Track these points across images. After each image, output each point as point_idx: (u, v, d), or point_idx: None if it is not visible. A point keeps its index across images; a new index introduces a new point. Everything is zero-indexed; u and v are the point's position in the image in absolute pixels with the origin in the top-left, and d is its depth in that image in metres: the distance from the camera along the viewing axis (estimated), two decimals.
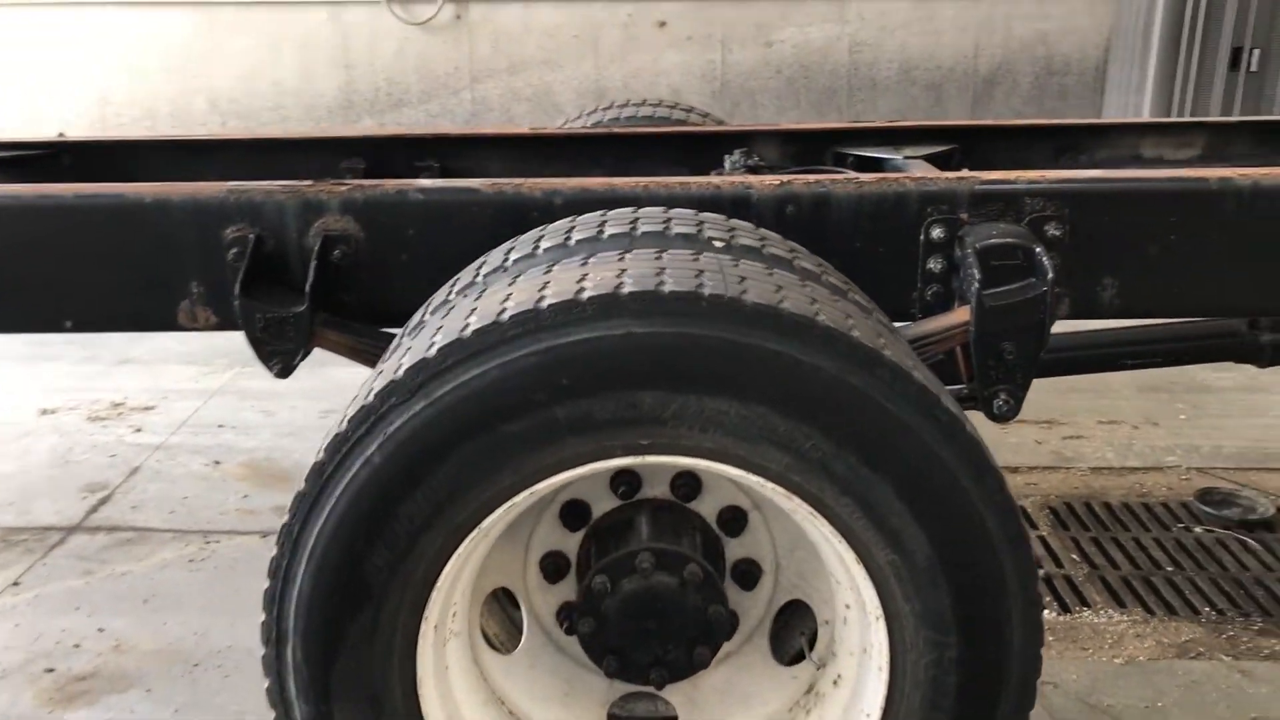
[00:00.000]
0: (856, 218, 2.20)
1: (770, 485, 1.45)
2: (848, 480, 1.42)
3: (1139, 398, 4.28)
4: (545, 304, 1.40)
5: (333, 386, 4.04)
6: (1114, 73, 6.12)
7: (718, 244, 1.70)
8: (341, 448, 1.43)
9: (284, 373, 2.15)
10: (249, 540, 3.29)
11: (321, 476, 1.44)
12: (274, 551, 1.52)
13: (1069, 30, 6.28)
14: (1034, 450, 3.89)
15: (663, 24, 6.32)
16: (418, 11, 6.49)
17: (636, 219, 1.78)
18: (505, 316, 1.40)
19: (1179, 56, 5.62)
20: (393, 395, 1.41)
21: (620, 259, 1.53)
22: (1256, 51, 5.60)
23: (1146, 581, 2.99)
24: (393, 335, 2.15)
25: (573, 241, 1.71)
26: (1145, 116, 5.72)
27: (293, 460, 3.83)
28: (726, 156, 3.05)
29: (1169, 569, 3.06)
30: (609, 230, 1.72)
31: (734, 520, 1.78)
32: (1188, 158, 3.11)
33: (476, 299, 1.55)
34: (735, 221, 1.88)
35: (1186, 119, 3.22)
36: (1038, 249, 2.11)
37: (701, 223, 1.79)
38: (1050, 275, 2.08)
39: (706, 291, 1.39)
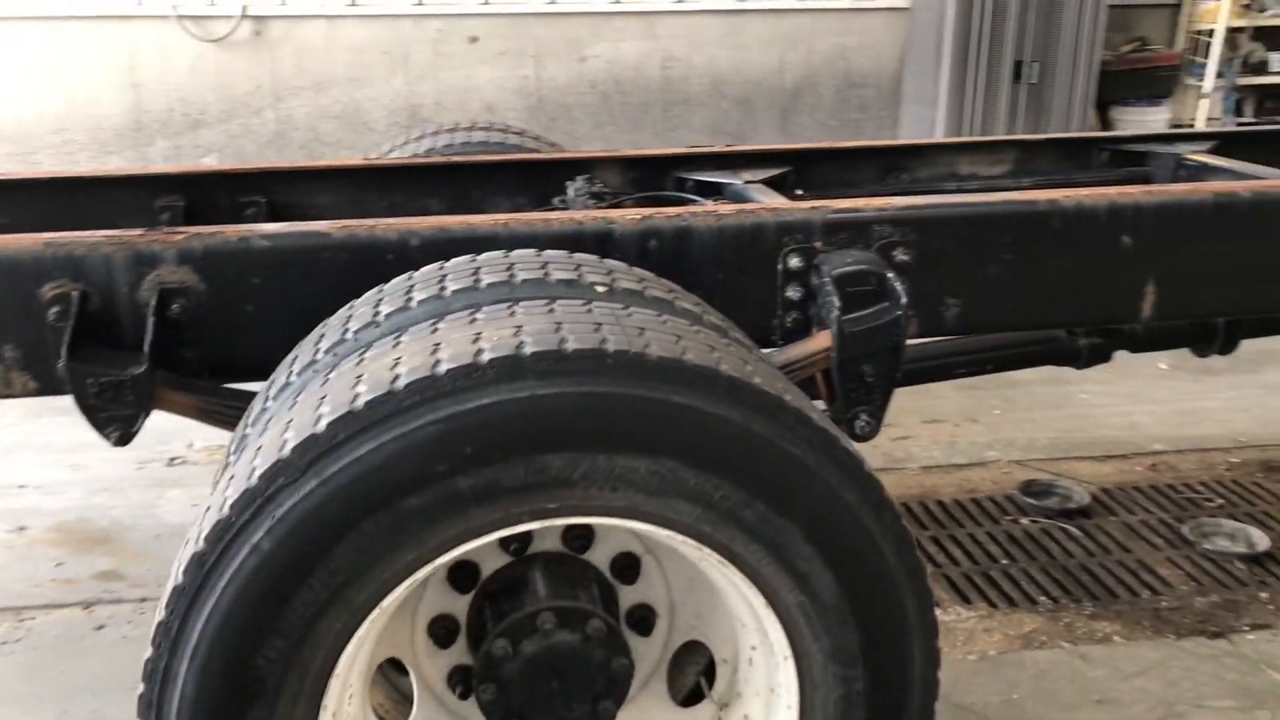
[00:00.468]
0: (717, 249, 2.22)
1: (680, 538, 1.44)
2: (757, 527, 1.42)
3: (957, 396, 4.51)
4: (443, 369, 1.33)
5: (149, 434, 3.77)
6: (909, 85, 6.45)
7: (600, 289, 1.68)
8: (224, 535, 1.32)
9: (123, 440, 1.98)
10: (70, 614, 3.01)
11: (203, 568, 1.32)
12: (148, 653, 1.38)
13: (867, 45, 6.58)
14: (868, 453, 4.01)
15: (474, 40, 6.23)
16: (212, 28, 6.14)
17: (512, 265, 1.74)
18: (400, 384, 1.33)
19: (967, 70, 5.99)
20: (280, 475, 1.31)
21: (511, 313, 1.48)
22: (1036, 65, 6.03)
23: (986, 576, 3.16)
24: (245, 392, 2.02)
25: (449, 292, 1.65)
26: (940, 124, 6.07)
27: (110, 519, 3.54)
28: (569, 184, 3.02)
29: (1004, 562, 3.23)
30: (486, 279, 1.67)
31: (628, 567, 1.76)
32: (1000, 173, 3.31)
33: (358, 362, 1.46)
34: (610, 262, 1.86)
35: (997, 138, 3.42)
36: (889, 274, 2.19)
37: (579, 266, 1.76)
38: (904, 299, 2.16)
39: (610, 348, 1.36)
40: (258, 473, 1.32)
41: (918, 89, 6.29)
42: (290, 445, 1.32)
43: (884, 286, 2.19)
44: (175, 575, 1.34)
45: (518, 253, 1.83)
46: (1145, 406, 4.40)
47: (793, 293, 2.26)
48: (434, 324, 1.51)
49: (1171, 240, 2.41)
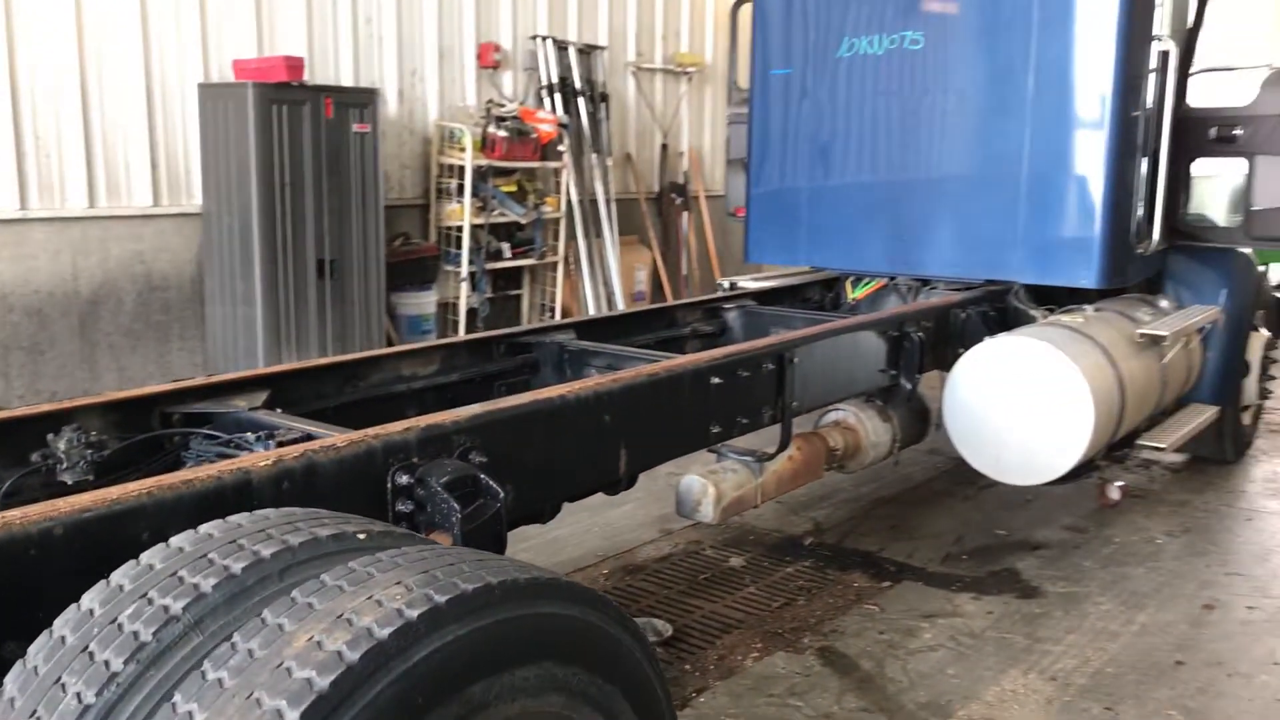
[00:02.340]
0: (339, 479, 2.40)
1: None
2: (599, 699, 1.75)
3: None
4: (383, 633, 1.45)
5: None
6: (213, 285, 6.60)
7: (363, 536, 1.85)
8: None
9: None
10: None
11: None
12: None
13: (163, 249, 6.57)
14: None
15: None
16: None
17: (269, 530, 1.80)
18: (353, 657, 1.40)
19: (278, 269, 6.39)
20: None
21: (370, 574, 1.61)
22: (335, 261, 6.68)
23: None
24: None
25: (239, 569, 1.67)
26: (259, 320, 6.35)
27: None
28: (53, 438, 2.79)
29: None
30: (264, 550, 1.72)
31: None
32: (433, 371, 3.83)
33: (247, 655, 1.46)
34: (327, 512, 1.99)
35: (426, 344, 3.93)
36: (481, 475, 2.59)
37: (322, 519, 1.89)
38: (501, 494, 2.58)
39: (494, 580, 1.60)
40: None
41: (226, 288, 6.47)
42: None
43: (478, 485, 2.58)
44: None
45: (247, 516, 1.87)
46: (520, 545, 5.21)
47: (402, 506, 2.52)
48: (289, 598, 1.56)
49: (631, 412, 3.20)
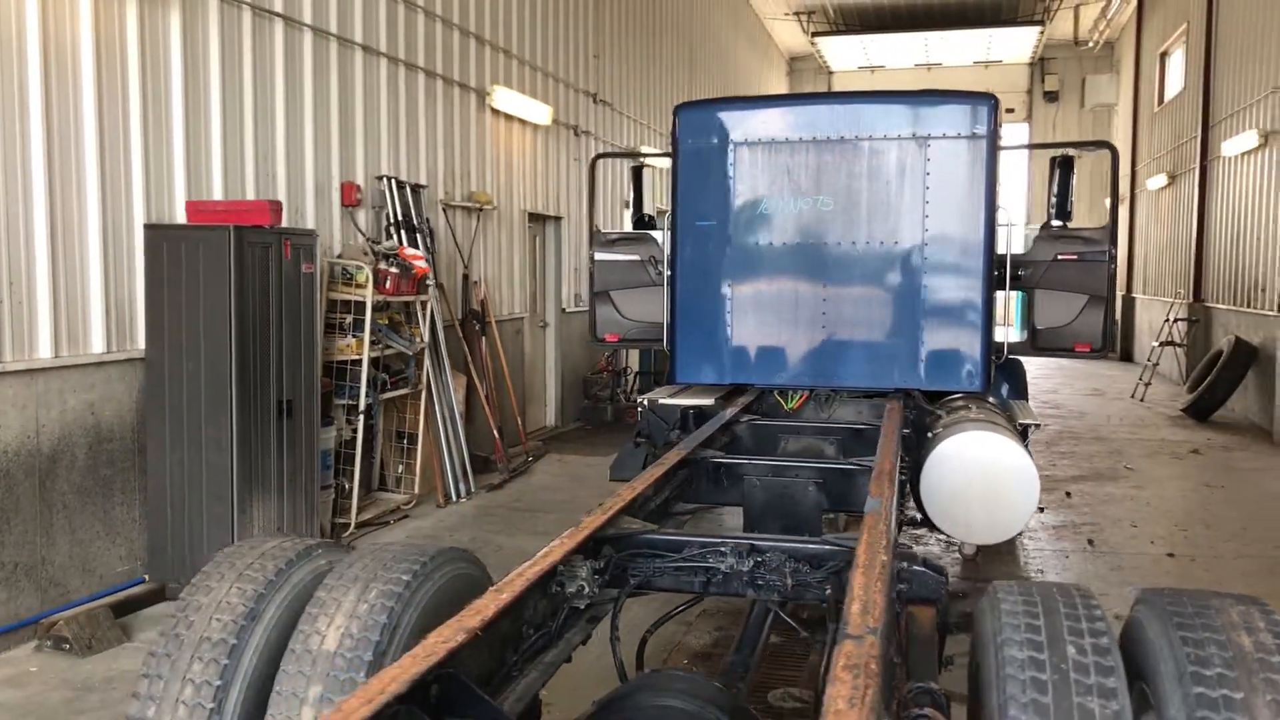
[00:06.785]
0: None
1: None
2: None
3: None
4: None
5: None
6: (161, 432, 6.27)
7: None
8: None
9: None
10: None
11: None
12: None
13: (109, 398, 6.14)
14: None
15: None
16: None
17: (1035, 596, 2.66)
18: None
19: (250, 411, 6.30)
20: None
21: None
22: (291, 402, 6.67)
23: None
24: None
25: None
26: (234, 465, 6.19)
27: None
28: (565, 569, 3.23)
29: None
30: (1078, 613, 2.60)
31: None
32: (652, 491, 4.48)
33: None
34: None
35: (652, 472, 4.54)
36: (924, 558, 3.47)
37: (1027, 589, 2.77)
38: (944, 569, 3.47)
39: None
40: None
41: (181, 435, 6.19)
42: None
43: (928, 564, 3.46)
44: None
45: (1024, 584, 2.71)
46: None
47: (902, 585, 3.34)
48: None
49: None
